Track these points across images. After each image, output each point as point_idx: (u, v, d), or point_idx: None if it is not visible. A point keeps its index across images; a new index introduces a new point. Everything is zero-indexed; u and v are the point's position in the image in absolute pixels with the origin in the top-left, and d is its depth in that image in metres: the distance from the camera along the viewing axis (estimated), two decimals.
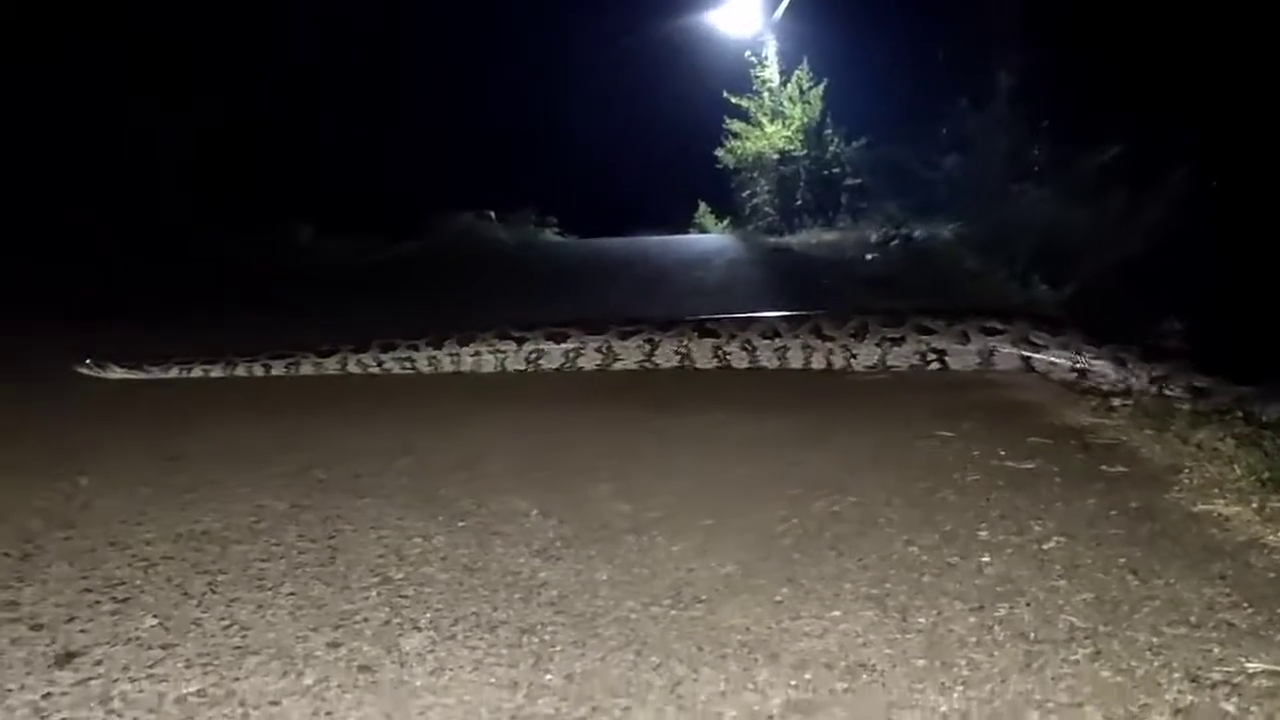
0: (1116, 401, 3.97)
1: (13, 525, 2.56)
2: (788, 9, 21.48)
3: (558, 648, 1.81)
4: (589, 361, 4.96)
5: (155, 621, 1.94)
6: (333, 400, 4.41)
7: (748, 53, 22.73)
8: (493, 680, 1.68)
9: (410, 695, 1.64)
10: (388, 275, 13.47)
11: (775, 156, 21.88)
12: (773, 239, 19.24)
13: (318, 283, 12.10)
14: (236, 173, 16.76)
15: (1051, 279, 7.46)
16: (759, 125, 22.24)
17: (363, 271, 13.76)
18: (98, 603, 2.04)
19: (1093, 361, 4.39)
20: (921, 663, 1.74)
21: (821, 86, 21.21)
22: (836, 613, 1.94)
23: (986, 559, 2.24)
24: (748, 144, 22.65)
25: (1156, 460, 3.10)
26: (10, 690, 1.67)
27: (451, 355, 4.99)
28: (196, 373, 4.85)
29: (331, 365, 4.94)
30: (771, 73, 22.32)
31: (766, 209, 22.13)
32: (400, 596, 2.06)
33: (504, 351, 4.98)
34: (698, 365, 4.88)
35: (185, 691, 1.65)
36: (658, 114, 27.98)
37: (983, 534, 2.41)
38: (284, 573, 2.20)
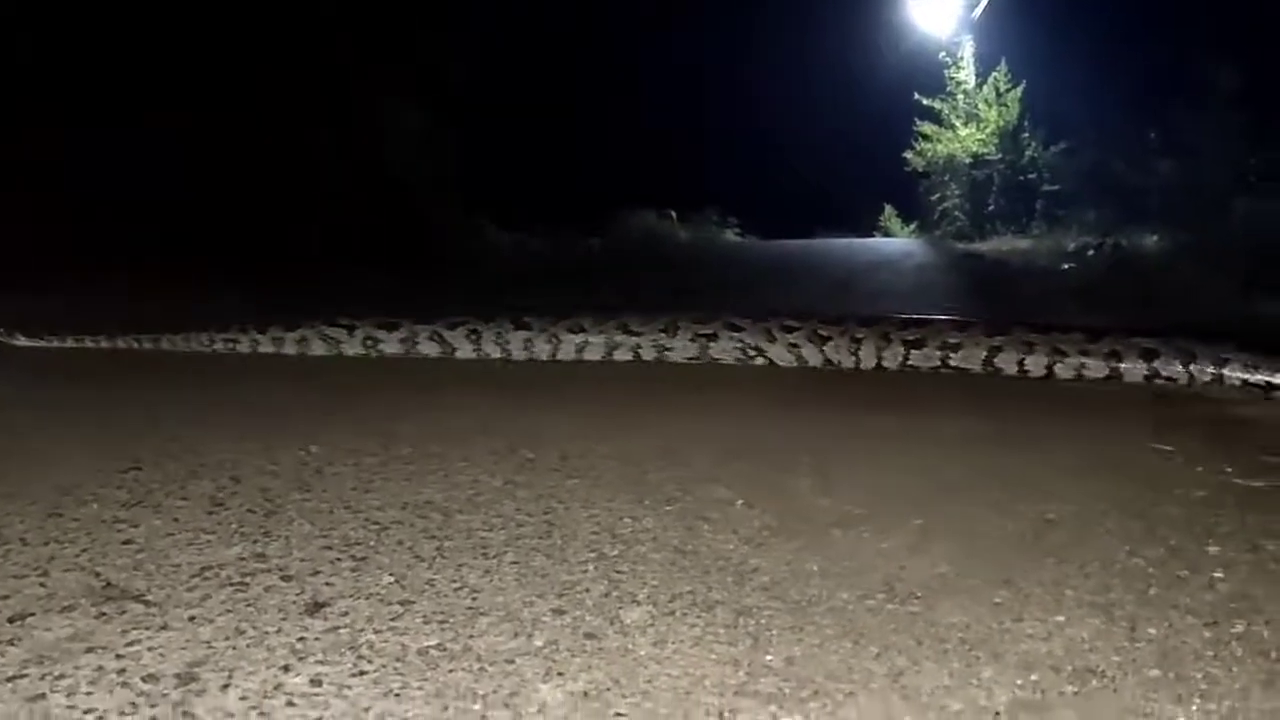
0: None
1: (255, 485, 2.77)
2: (986, 7, 20.84)
3: (774, 631, 1.83)
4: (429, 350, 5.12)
5: (392, 579, 2.06)
6: (529, 386, 4.58)
7: (942, 53, 22.19)
8: (714, 656, 1.72)
9: (636, 664, 1.69)
10: (557, 273, 13.78)
11: (968, 160, 21.29)
12: (962, 245, 18.74)
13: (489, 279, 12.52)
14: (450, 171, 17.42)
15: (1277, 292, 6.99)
16: (951, 127, 21.69)
17: (531, 269, 14.14)
18: (338, 559, 2.19)
19: None
20: (1154, 673, 1.68)
21: (1020, 88, 20.51)
22: (1060, 618, 1.90)
23: (1219, 574, 2.14)
24: (939, 146, 22.13)
25: None
26: (269, 633, 1.81)
27: (275, 339, 5.22)
28: (88, 343, 5.28)
29: (179, 342, 5.30)
30: (967, 74, 21.74)
31: (956, 214, 21.57)
32: (617, 572, 2.12)
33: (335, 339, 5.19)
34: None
35: (426, 644, 1.76)
36: (843, 115, 27.59)
37: (1212, 549, 2.30)
38: (505, 542, 2.30)
